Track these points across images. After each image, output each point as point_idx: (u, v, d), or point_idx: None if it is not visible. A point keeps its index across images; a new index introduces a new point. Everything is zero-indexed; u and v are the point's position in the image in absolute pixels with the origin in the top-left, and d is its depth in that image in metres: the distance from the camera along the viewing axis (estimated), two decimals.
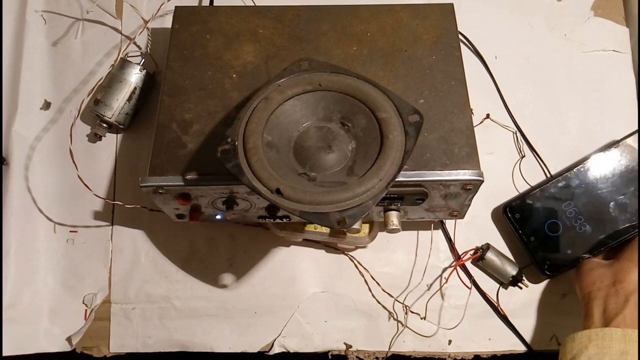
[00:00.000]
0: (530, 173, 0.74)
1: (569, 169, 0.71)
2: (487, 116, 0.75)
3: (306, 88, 0.54)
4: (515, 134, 0.75)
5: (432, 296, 0.71)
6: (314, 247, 0.72)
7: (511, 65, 0.78)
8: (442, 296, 0.71)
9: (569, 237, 0.69)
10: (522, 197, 0.71)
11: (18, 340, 0.69)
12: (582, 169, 0.70)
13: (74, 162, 0.68)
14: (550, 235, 0.69)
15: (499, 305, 0.70)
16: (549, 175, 0.74)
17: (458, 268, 0.71)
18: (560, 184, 0.70)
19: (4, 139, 0.74)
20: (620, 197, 0.69)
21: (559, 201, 0.70)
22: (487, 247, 0.70)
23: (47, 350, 0.70)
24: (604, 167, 0.70)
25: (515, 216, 0.70)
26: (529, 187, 0.72)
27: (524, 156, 0.75)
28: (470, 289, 0.70)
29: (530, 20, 0.80)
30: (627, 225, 0.68)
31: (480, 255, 0.70)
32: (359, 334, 0.70)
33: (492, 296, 0.71)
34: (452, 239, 0.72)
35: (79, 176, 0.67)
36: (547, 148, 0.75)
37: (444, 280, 0.71)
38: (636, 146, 0.70)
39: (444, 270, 0.71)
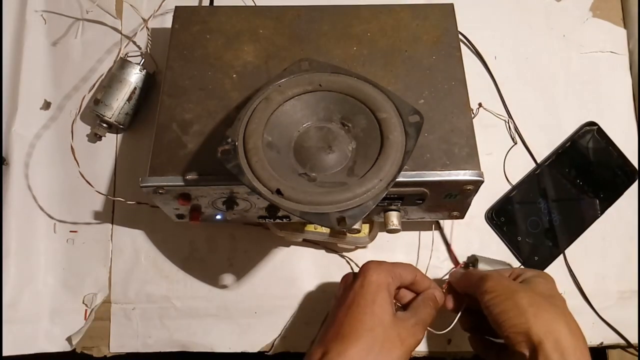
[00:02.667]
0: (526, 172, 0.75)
1: (535, 170, 0.75)
2: (480, 105, 0.75)
3: (306, 88, 0.54)
4: (507, 122, 0.76)
5: None
6: (314, 247, 0.73)
7: (510, 65, 0.78)
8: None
9: (548, 230, 0.73)
10: (502, 200, 0.74)
11: (18, 340, 0.69)
12: (545, 167, 0.74)
13: (75, 158, 0.67)
14: (532, 232, 0.73)
15: None
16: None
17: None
18: (530, 183, 0.74)
19: (4, 139, 0.74)
20: (580, 184, 0.74)
21: (533, 199, 0.74)
22: (474, 259, 0.69)
23: (47, 350, 0.70)
24: (562, 162, 0.75)
25: (500, 220, 0.73)
26: (508, 190, 0.75)
27: (516, 143, 0.75)
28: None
29: (529, 21, 0.80)
30: (590, 211, 0.74)
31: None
32: None
33: None
34: (449, 241, 0.72)
35: (80, 172, 0.67)
36: (545, 148, 0.75)
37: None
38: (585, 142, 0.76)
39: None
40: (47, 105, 0.77)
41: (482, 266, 0.69)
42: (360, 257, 0.72)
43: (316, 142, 0.54)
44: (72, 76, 0.77)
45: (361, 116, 0.53)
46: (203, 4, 0.80)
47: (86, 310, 0.71)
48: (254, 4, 0.78)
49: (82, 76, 0.77)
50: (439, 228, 0.72)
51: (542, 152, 0.75)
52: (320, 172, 0.52)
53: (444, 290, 0.61)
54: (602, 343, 0.70)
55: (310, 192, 0.48)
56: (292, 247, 0.73)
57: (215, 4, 0.78)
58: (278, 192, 0.48)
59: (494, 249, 0.73)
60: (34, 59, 0.77)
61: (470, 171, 0.56)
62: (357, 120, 0.54)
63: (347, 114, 0.54)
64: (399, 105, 0.52)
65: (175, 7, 0.68)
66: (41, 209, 0.73)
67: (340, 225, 0.47)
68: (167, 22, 0.70)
